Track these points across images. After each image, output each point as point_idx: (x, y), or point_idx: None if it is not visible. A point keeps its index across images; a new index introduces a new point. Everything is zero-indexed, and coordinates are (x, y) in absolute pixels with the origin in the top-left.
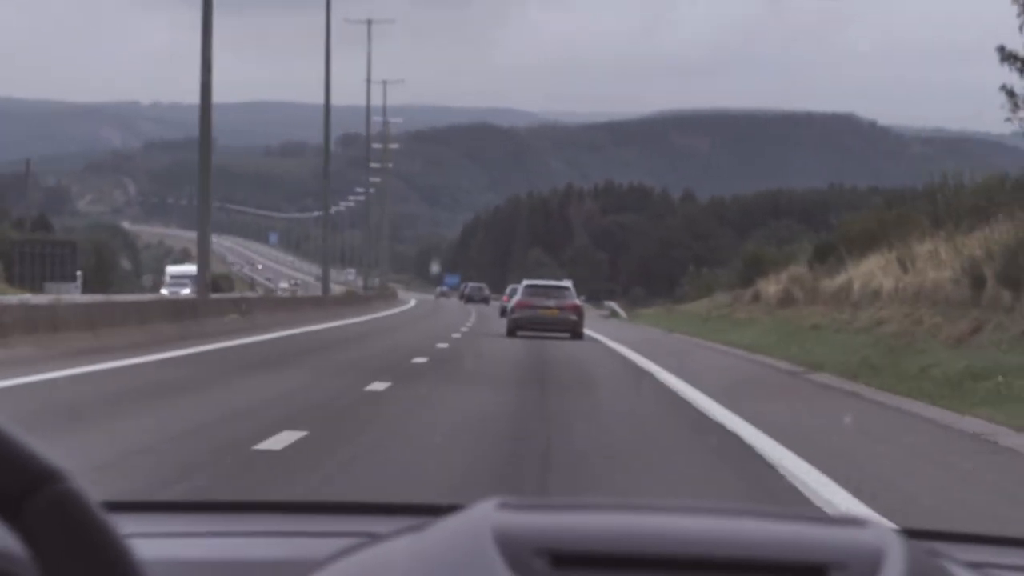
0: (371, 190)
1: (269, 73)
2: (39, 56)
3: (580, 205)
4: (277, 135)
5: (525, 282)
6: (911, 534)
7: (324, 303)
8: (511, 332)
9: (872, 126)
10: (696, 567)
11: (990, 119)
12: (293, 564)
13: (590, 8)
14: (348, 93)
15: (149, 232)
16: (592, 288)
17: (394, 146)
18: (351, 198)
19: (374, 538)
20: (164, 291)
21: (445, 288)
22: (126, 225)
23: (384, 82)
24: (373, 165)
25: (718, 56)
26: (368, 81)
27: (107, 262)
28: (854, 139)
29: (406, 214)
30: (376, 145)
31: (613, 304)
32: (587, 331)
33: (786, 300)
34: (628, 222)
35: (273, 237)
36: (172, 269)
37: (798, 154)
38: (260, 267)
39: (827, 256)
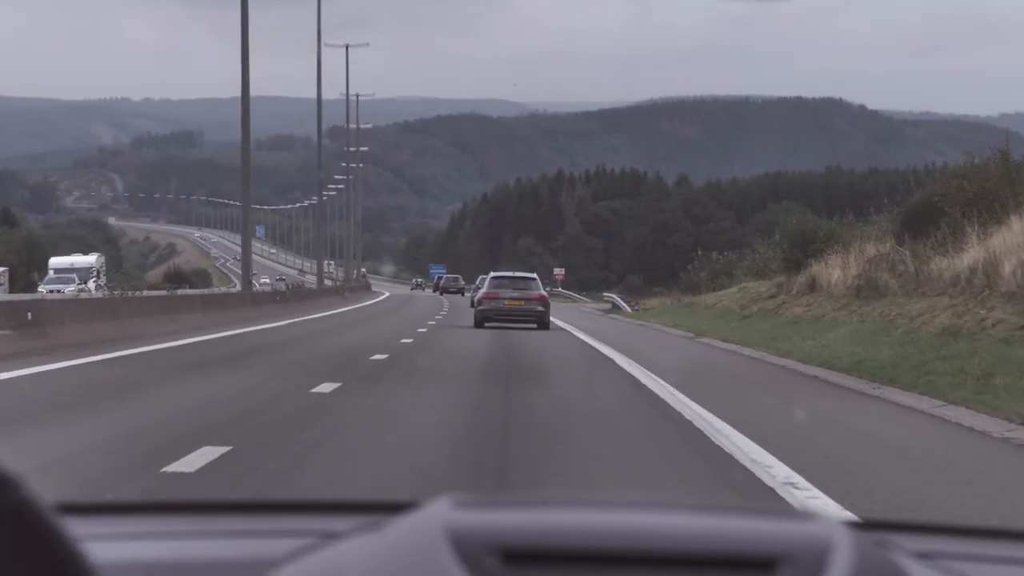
0: (350, 178)
1: (258, 68)
2: (30, 54)
3: (571, 191)
4: (266, 129)
5: (492, 274)
6: (861, 525)
7: (287, 298)
8: (478, 323)
9: (862, 110)
10: (646, 562)
11: (977, 103)
12: (250, 564)
13: None
14: (334, 86)
15: (136, 228)
16: (585, 277)
17: (364, 148)
18: (331, 187)
19: (330, 537)
20: (42, 289)
21: (420, 280)
22: (112, 221)
23: (357, 95)
24: (345, 165)
25: (706, 45)
26: (347, 96)
27: (40, 259)
28: (845, 123)
29: (395, 205)
30: (350, 148)
31: (614, 296)
32: (590, 339)
33: (869, 289)
34: (621, 208)
35: (260, 230)
36: (55, 261)
37: (789, 139)
38: (236, 259)
39: (924, 226)
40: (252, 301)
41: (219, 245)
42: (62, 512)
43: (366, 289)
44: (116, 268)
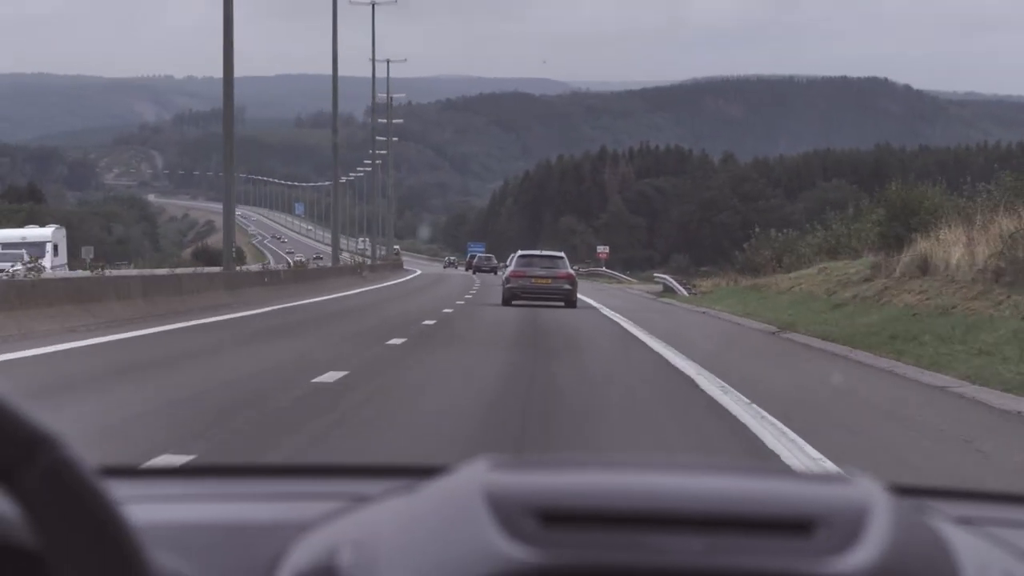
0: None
1: (303, 46)
2: (74, 32)
3: (614, 169)
4: (308, 107)
5: (519, 252)
6: (900, 491)
7: (279, 279)
8: (506, 301)
9: (907, 90)
10: (684, 523)
11: (1020, 83)
12: (284, 526)
13: None
14: (377, 64)
15: (175, 205)
16: (628, 256)
17: (398, 121)
18: (360, 169)
19: (364, 500)
20: None
21: (454, 258)
22: (151, 198)
23: (387, 60)
24: (379, 137)
25: (749, 25)
26: (373, 60)
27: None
28: (890, 102)
29: (436, 183)
30: (381, 120)
31: (667, 277)
32: (648, 337)
33: (1016, 273)
34: (665, 186)
35: (299, 207)
36: (3, 234)
37: (833, 118)
38: (285, 240)
39: None
40: (227, 283)
41: (259, 223)
42: (103, 474)
43: (396, 267)
44: (153, 245)
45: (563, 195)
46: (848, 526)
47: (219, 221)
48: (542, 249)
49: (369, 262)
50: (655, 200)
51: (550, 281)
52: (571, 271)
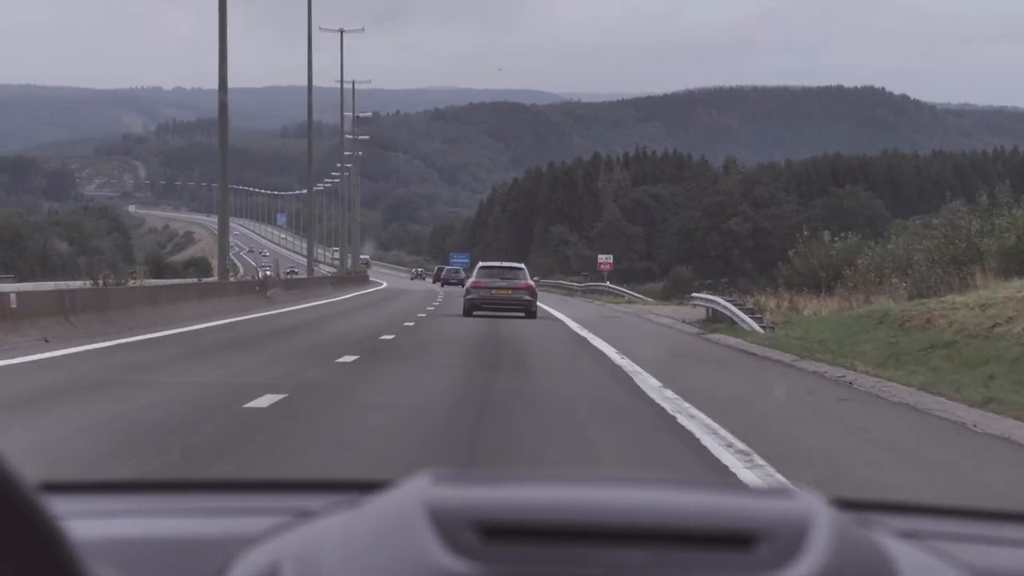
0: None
1: (290, 58)
2: (62, 44)
3: (608, 175)
4: (294, 117)
5: (480, 264)
6: (843, 505)
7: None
8: (467, 312)
9: (904, 99)
10: (626, 537)
11: (1015, 94)
12: (227, 541)
13: None
14: (365, 74)
15: (156, 216)
16: (625, 268)
17: (364, 137)
18: (332, 176)
19: (307, 515)
20: None
21: (420, 270)
22: (132, 209)
23: (353, 82)
24: (346, 153)
25: (743, 36)
26: (341, 82)
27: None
28: (886, 112)
29: (424, 194)
30: (348, 135)
31: (718, 300)
32: None
33: None
34: (663, 193)
35: (281, 218)
36: None
37: (829, 128)
38: (266, 253)
39: None
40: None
41: (242, 236)
42: (43, 490)
43: (360, 280)
44: (125, 257)
45: (554, 203)
46: (790, 540)
47: (198, 232)
48: (543, 258)
49: (274, 279)
50: (653, 209)
51: (510, 292)
52: (531, 282)
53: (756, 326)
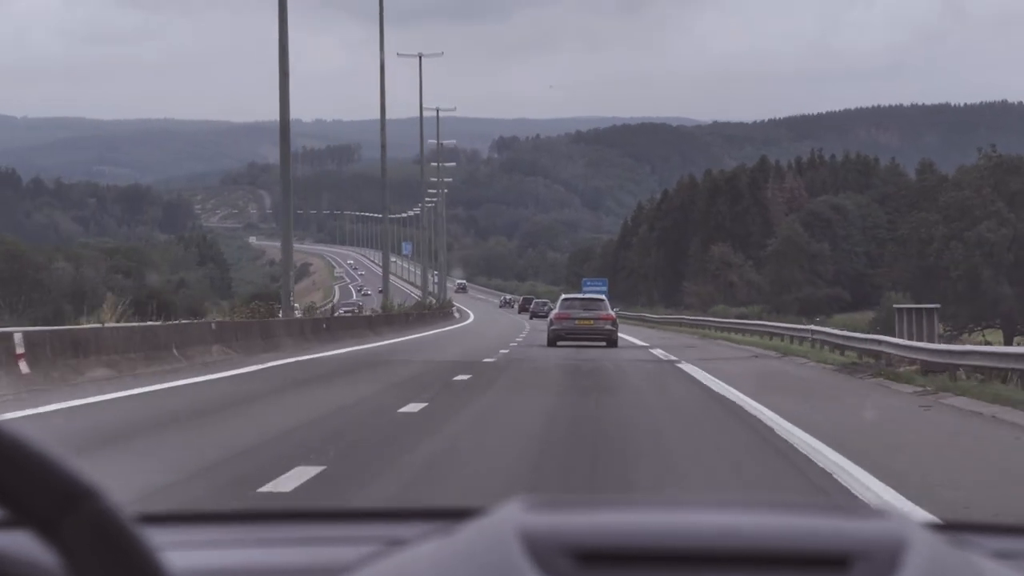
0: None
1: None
2: (202, 78)
3: (779, 184)
4: (430, 145)
5: (563, 296)
6: (938, 526)
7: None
8: (551, 342)
9: None
10: (720, 560)
11: None
12: (321, 571)
13: (761, 15)
14: (501, 104)
15: (277, 248)
16: (806, 296)
17: (450, 164)
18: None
19: (400, 543)
20: None
21: (509, 297)
22: (252, 240)
23: (437, 109)
24: (432, 179)
25: (895, 60)
26: (420, 107)
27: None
28: None
29: (564, 220)
30: (433, 163)
31: None
32: None
33: None
34: (846, 204)
35: (407, 247)
36: None
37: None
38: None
39: None
40: None
41: (366, 268)
42: (141, 522)
43: (439, 317)
44: (222, 290)
45: (714, 218)
46: (885, 561)
47: (316, 264)
48: (702, 284)
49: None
50: (835, 223)
51: (592, 322)
52: (612, 313)
53: None
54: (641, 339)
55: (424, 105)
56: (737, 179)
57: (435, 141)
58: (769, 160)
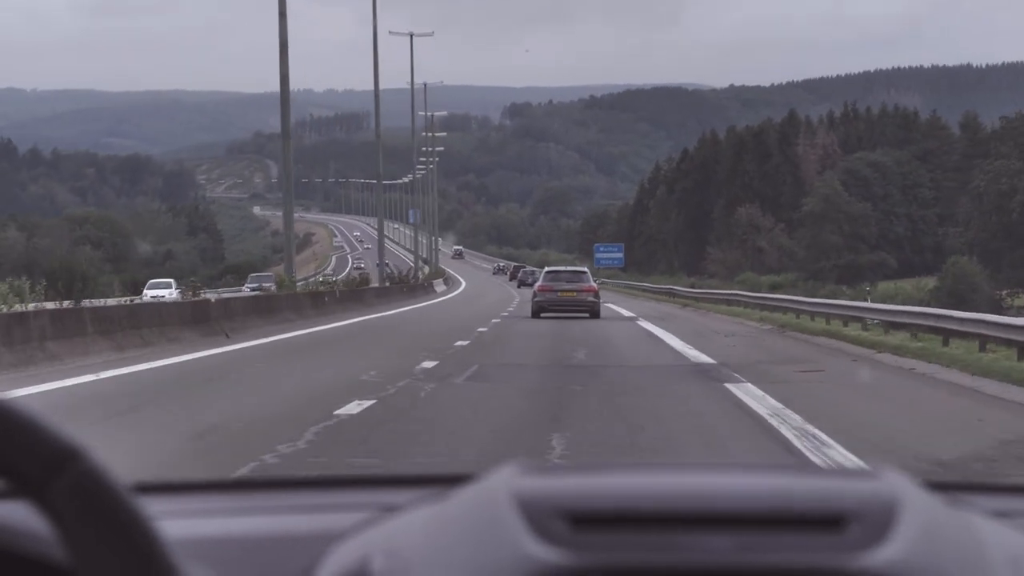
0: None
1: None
2: (211, 49)
3: (811, 140)
4: (441, 110)
5: (546, 268)
6: (933, 485)
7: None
8: (535, 314)
9: None
10: (713, 522)
11: None
12: (315, 538)
13: None
14: (514, 73)
15: (280, 217)
16: (850, 263)
17: (442, 133)
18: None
19: (394, 509)
20: None
21: (502, 264)
22: (257, 211)
23: (424, 84)
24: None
25: (912, 23)
26: (412, 84)
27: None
28: None
29: (578, 186)
30: (424, 133)
31: None
32: None
33: None
34: (885, 161)
35: (412, 215)
36: None
37: (1021, 103)
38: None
39: None
40: None
41: (367, 236)
42: (136, 491)
43: (413, 289)
44: (214, 262)
45: (740, 178)
46: (879, 520)
47: (319, 233)
48: (719, 249)
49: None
50: (873, 181)
51: (575, 294)
52: (594, 284)
53: None
54: (680, 338)
55: (433, 76)
56: (765, 134)
57: (433, 112)
58: (798, 115)
